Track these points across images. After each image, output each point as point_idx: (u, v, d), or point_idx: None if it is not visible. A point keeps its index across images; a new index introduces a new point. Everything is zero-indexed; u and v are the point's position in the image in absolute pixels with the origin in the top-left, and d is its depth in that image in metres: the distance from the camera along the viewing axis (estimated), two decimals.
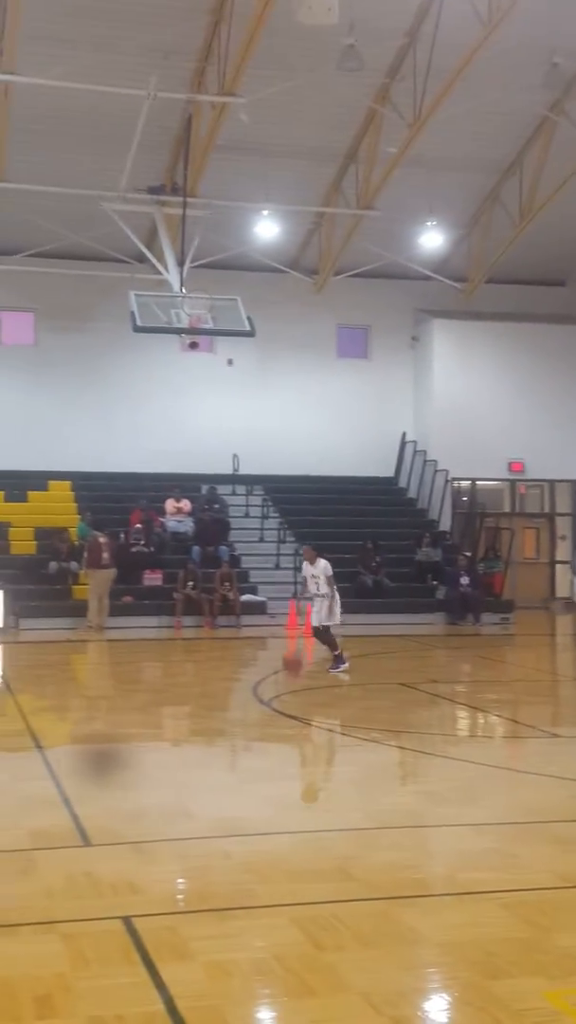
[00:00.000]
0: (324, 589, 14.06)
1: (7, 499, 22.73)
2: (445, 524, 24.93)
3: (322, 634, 14.22)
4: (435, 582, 22.48)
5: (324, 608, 14.02)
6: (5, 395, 24.05)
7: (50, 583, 20.55)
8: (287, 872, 5.72)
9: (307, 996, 4.17)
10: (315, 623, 14.27)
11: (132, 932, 4.75)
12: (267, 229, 23.32)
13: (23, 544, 21.80)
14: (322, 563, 14.20)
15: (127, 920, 4.88)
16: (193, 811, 7.03)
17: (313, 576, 14.22)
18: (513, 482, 26.35)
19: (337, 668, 13.94)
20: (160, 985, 4.21)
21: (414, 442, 25.92)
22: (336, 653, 14.05)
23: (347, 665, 14.00)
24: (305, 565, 14.53)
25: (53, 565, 20.71)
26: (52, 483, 23.38)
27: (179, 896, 5.56)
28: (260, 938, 4.80)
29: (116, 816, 6.81)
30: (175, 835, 6.37)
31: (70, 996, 4.11)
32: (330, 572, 14.15)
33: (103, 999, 4.10)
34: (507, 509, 26.63)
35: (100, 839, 6.21)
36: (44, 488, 23.26)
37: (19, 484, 22.98)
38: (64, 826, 6.43)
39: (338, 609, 14.07)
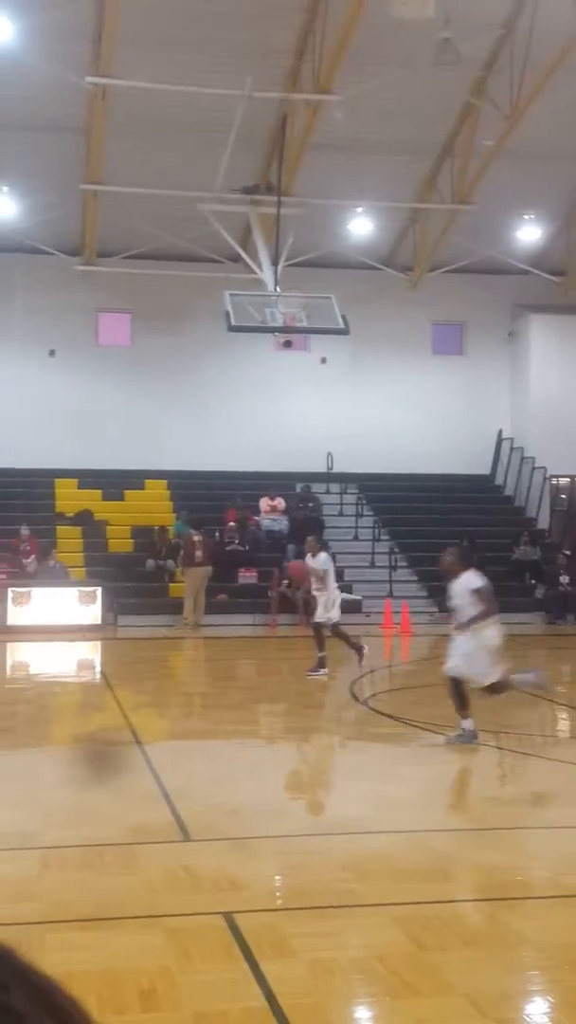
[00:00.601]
0: (318, 585, 13.37)
1: (104, 498, 23.10)
2: (543, 522, 24.51)
3: (315, 631, 13.47)
4: (533, 581, 22.13)
5: (321, 604, 13.30)
6: (102, 395, 24.43)
7: (147, 581, 20.82)
8: (387, 871, 5.67)
9: (410, 996, 4.12)
10: (315, 619, 13.55)
11: (233, 928, 4.76)
12: (361, 226, 23.24)
13: (120, 542, 22.14)
14: (322, 556, 13.49)
15: (228, 916, 4.89)
16: (291, 808, 7.03)
17: (312, 570, 13.58)
18: None
19: (316, 673, 13.31)
20: (262, 981, 4.21)
21: (511, 439, 25.55)
22: (320, 655, 13.30)
23: (325, 671, 13.26)
24: (308, 558, 13.77)
25: (150, 563, 20.97)
26: (148, 482, 23.68)
27: (279, 893, 5.56)
28: (361, 937, 4.77)
29: (215, 812, 6.84)
30: (274, 832, 6.38)
31: (173, 990, 4.14)
32: (329, 567, 13.38)
33: (206, 994, 4.12)
34: None
35: (200, 834, 6.24)
36: (141, 487, 23.58)
37: (116, 483, 23.33)
38: (164, 821, 6.48)
39: (334, 608, 13.25)
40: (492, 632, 8.99)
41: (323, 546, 13.99)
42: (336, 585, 13.64)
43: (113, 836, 6.18)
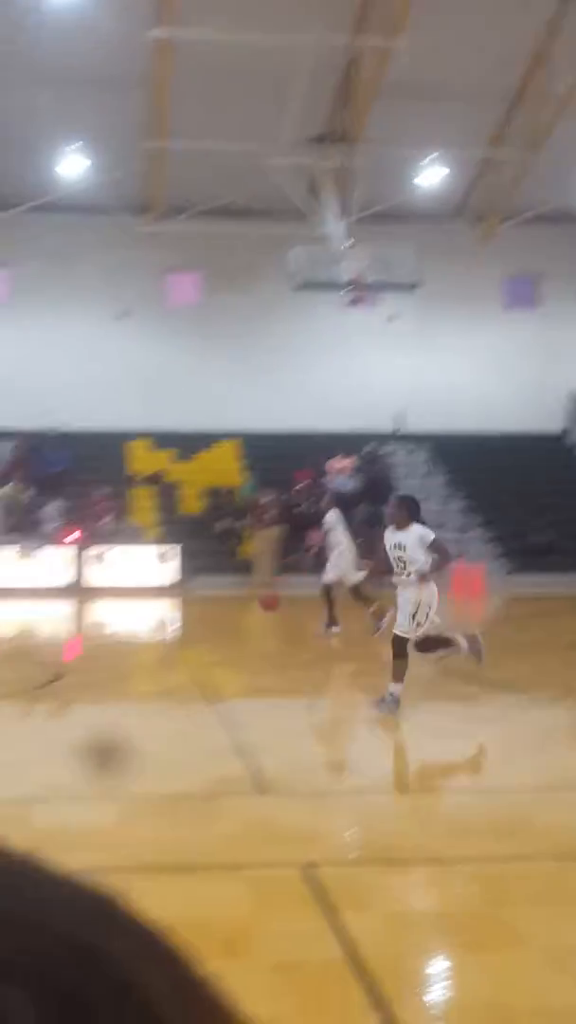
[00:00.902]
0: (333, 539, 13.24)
1: (176, 459, 23.28)
2: None
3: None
4: None
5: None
6: (173, 356, 24.54)
7: (217, 541, 21.00)
8: (462, 828, 5.71)
9: (486, 951, 4.17)
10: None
11: (311, 880, 4.84)
12: (431, 177, 22.85)
13: (191, 503, 22.32)
14: (331, 514, 13.53)
15: (306, 868, 4.98)
16: (366, 765, 7.10)
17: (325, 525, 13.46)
18: None
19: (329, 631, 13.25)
20: (340, 933, 4.28)
21: None
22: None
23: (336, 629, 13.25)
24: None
25: (220, 524, 21.14)
26: (218, 443, 23.79)
27: (356, 847, 5.64)
28: (437, 892, 4.82)
29: (291, 767, 6.94)
30: (349, 787, 6.46)
31: (254, 940, 4.24)
32: (332, 523, 13.30)
33: (285, 944, 4.20)
34: None
35: (277, 789, 6.34)
36: (211, 448, 23.70)
37: (187, 444, 23.47)
38: (242, 775, 6.60)
39: (344, 564, 13.20)
40: (435, 586, 8.74)
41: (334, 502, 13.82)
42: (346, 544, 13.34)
43: (192, 788, 6.31)
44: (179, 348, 24.71)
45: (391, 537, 8.70)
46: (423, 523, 8.84)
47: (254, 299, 24.48)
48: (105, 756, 6.24)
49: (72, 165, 22.19)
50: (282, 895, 4.70)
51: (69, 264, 24.05)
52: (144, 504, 22.09)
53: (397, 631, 8.60)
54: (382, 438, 24.00)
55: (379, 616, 11.41)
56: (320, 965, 4.03)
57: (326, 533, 13.44)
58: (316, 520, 21.31)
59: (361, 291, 20.00)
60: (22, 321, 24.29)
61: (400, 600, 8.66)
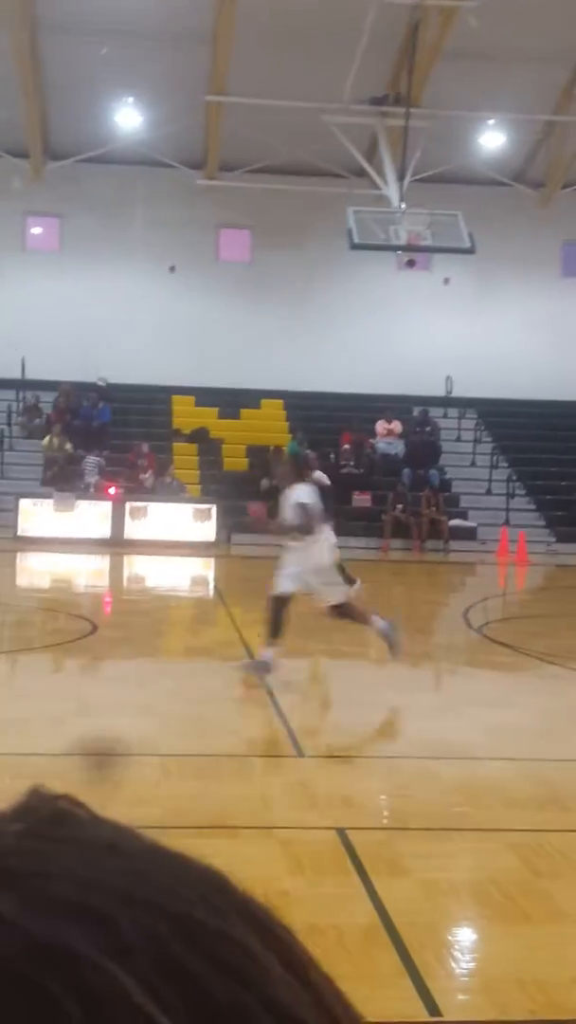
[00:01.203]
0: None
1: (221, 416, 23.19)
2: None
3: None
4: None
5: None
6: (220, 313, 24.38)
7: (260, 500, 20.89)
8: (500, 797, 5.61)
9: (524, 922, 4.09)
10: None
11: (346, 844, 4.78)
12: (492, 140, 22.43)
13: (235, 460, 22.25)
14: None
15: (341, 832, 4.92)
16: (403, 731, 7.02)
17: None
18: None
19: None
20: (375, 898, 4.22)
21: None
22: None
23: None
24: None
25: (264, 482, 21.03)
26: (264, 401, 23.66)
27: (392, 813, 5.56)
28: (474, 860, 4.74)
29: (329, 731, 6.89)
30: (386, 753, 6.38)
31: (287, 901, 4.18)
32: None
33: (319, 907, 4.15)
34: None
35: (314, 751, 6.28)
36: (257, 406, 23.58)
37: (232, 401, 23.37)
38: (278, 736, 6.55)
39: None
40: (321, 550, 8.32)
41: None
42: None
43: (229, 748, 6.27)
44: (227, 305, 24.54)
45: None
46: (311, 482, 8.70)
47: (305, 258, 24.23)
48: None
49: (129, 117, 22.00)
50: (317, 858, 4.64)
51: (121, 216, 23.92)
52: (186, 460, 22.05)
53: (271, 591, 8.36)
54: (430, 402, 23.74)
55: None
56: (354, 929, 3.97)
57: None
58: (360, 482, 21.27)
59: (415, 253, 19.68)
60: (71, 272, 24.24)
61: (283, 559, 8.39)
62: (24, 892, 0.38)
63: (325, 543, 8.40)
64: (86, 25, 19.38)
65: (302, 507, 8.18)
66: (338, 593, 8.44)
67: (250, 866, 4.53)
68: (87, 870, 0.40)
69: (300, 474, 8.66)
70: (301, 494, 8.28)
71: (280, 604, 8.23)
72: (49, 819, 0.43)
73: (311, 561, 8.21)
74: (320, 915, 4.06)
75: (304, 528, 8.14)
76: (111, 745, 6.12)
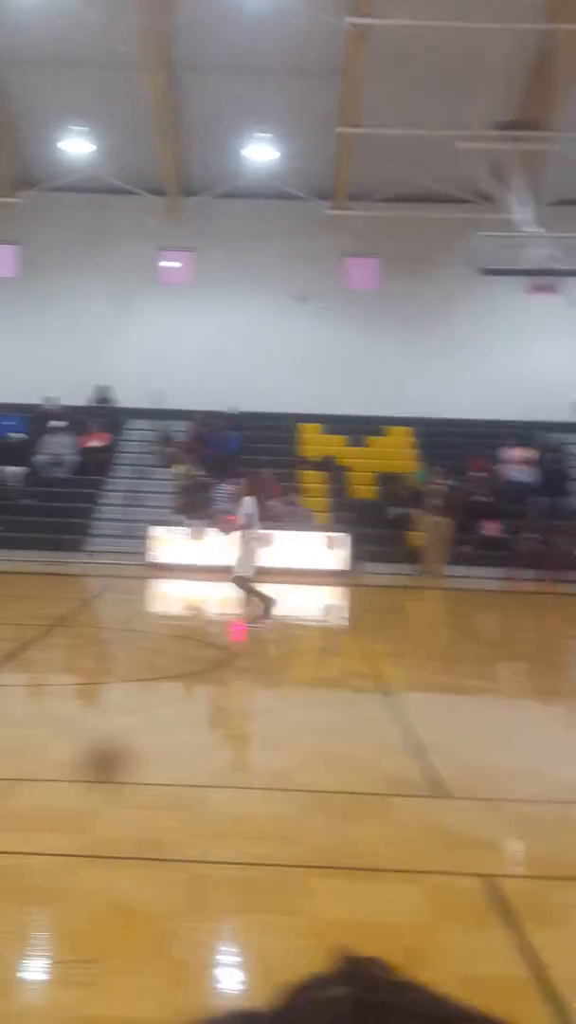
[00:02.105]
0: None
1: (348, 444, 23.20)
2: None
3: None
4: None
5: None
6: (348, 341, 24.46)
7: (388, 528, 20.80)
8: None
9: None
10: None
11: (493, 891, 4.65)
12: None
13: (362, 488, 22.21)
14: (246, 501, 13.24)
15: (487, 878, 4.79)
16: (546, 772, 6.81)
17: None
18: None
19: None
20: (527, 950, 4.08)
21: None
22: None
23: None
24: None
25: (392, 510, 20.93)
26: (392, 428, 23.58)
27: (539, 859, 5.39)
28: None
29: (468, 769, 6.74)
30: (530, 796, 6.20)
31: (437, 951, 4.08)
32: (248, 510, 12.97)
33: (467, 958, 4.03)
34: None
35: (454, 792, 6.15)
36: (384, 433, 23.51)
37: (360, 429, 23.36)
38: (415, 775, 6.43)
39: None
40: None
41: (250, 489, 13.59)
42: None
43: (368, 785, 6.19)
44: (354, 333, 24.61)
45: None
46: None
47: (432, 285, 24.12)
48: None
49: (259, 151, 22.34)
50: (462, 905, 4.53)
51: (251, 249, 24.29)
52: (314, 488, 22.12)
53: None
54: (556, 428, 23.28)
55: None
56: (507, 982, 3.85)
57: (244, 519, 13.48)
58: (490, 511, 20.93)
59: (546, 278, 19.38)
60: (204, 304, 24.71)
61: None
62: None
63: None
64: (218, 64, 19.83)
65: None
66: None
67: (393, 911, 4.45)
68: None
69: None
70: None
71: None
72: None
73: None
74: (468, 966, 3.95)
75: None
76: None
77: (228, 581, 13.08)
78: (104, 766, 6.07)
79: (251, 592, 12.91)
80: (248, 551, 12.74)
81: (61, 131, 21.92)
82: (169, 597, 17.22)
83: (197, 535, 19.45)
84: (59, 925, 4.23)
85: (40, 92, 21.14)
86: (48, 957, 4.03)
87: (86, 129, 21.83)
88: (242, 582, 12.86)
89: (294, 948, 4.03)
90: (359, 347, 24.40)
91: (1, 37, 19.64)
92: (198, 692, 9.41)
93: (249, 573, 12.88)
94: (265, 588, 13.17)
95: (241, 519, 12.78)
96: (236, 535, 12.85)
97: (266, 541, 18.85)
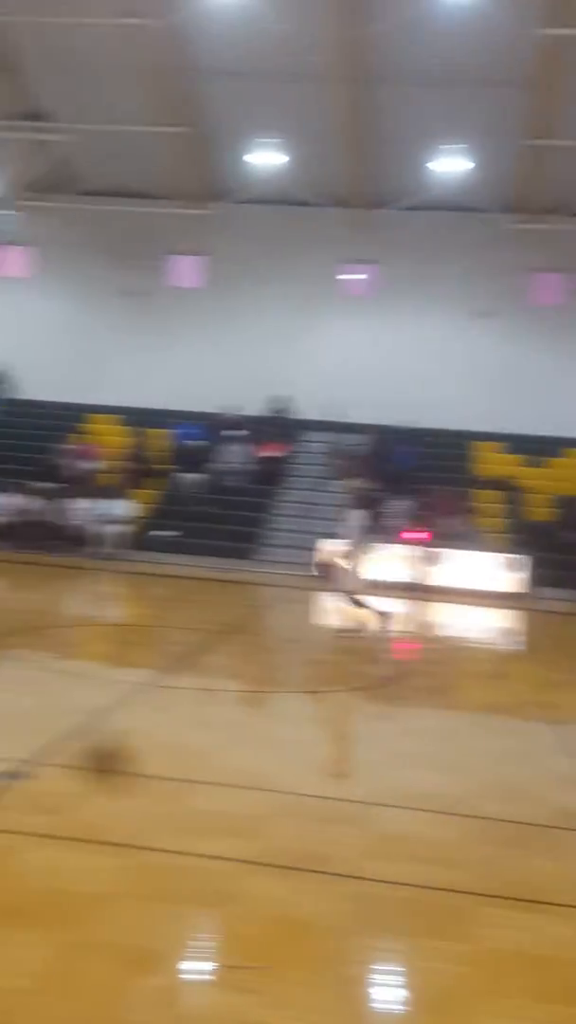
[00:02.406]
0: None
1: (526, 464, 22.75)
2: None
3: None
4: None
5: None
6: (528, 358, 24.02)
7: (566, 552, 20.25)
8: None
9: None
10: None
11: None
12: None
13: (539, 511, 21.72)
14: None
15: None
16: None
17: None
18: None
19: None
20: None
21: None
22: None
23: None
24: None
25: (569, 535, 20.38)
26: (572, 451, 22.99)
27: None
28: None
29: None
30: None
31: None
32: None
33: None
34: None
35: None
36: (564, 455, 22.93)
37: (538, 449, 22.87)
38: None
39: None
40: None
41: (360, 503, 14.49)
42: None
43: (539, 817, 6.06)
44: (536, 350, 24.14)
45: None
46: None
47: None
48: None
49: (445, 163, 22.20)
50: None
51: (433, 262, 24.18)
52: (490, 508, 21.77)
53: None
54: None
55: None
56: None
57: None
58: None
59: None
60: (385, 317, 24.75)
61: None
62: None
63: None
64: (409, 75, 19.84)
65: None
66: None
67: (561, 947, 4.35)
68: None
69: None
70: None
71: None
72: None
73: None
74: None
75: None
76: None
77: (341, 595, 13.34)
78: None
79: (361, 605, 12.97)
80: (357, 565, 12.94)
81: (251, 143, 22.39)
82: (339, 611, 17.28)
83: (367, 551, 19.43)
84: (230, 929, 4.32)
85: (233, 105, 21.66)
86: (219, 961, 4.13)
87: (276, 141, 22.21)
88: (352, 596, 13.02)
89: (460, 976, 3.99)
90: (540, 364, 23.92)
91: (198, 51, 20.23)
92: (369, 708, 9.41)
93: (359, 587, 13.11)
94: (378, 602, 13.34)
95: (353, 533, 12.97)
96: (347, 549, 13.16)
97: (437, 559, 18.81)
